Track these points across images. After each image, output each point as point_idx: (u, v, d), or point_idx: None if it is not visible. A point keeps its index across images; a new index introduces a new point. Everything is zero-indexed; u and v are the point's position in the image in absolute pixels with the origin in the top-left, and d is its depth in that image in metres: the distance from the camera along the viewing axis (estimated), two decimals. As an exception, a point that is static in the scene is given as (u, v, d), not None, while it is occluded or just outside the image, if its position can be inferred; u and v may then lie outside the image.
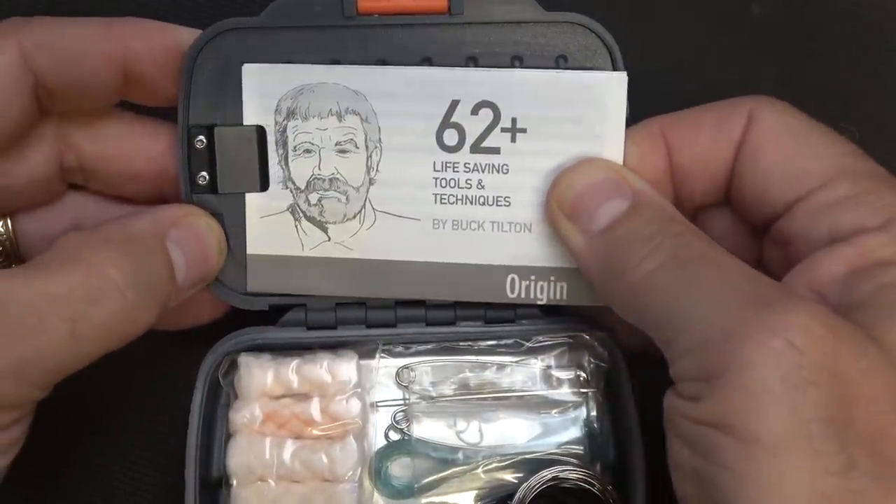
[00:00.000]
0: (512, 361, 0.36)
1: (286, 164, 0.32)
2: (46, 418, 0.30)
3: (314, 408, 0.34)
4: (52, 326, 0.26)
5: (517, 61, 0.32)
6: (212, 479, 0.34)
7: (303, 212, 0.33)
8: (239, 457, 0.34)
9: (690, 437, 0.25)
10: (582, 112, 0.31)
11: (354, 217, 0.33)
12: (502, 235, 0.32)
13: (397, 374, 0.36)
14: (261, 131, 0.32)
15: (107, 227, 0.29)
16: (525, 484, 0.34)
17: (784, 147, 0.31)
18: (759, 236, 0.33)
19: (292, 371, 0.34)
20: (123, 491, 0.36)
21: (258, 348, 0.35)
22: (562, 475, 0.34)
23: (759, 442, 0.23)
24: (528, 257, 0.32)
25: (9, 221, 0.33)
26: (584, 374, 0.35)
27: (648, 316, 0.28)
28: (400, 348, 0.36)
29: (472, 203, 0.32)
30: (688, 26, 0.40)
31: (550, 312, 0.36)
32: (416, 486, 0.34)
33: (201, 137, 0.32)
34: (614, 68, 0.32)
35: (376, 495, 0.34)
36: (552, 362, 0.36)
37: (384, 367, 0.36)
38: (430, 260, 0.33)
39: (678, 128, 0.32)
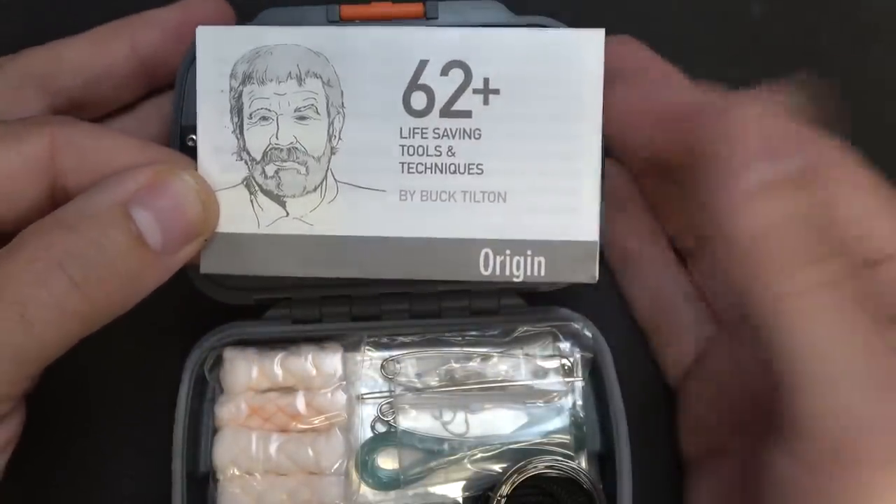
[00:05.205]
0: (497, 352, 0.36)
1: (241, 133, 0.30)
2: (31, 413, 0.30)
3: (299, 401, 0.34)
4: (1, 313, 0.25)
5: None
6: (199, 474, 0.34)
7: (258, 185, 0.30)
8: (225, 451, 0.34)
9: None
10: (558, 71, 0.30)
11: (315, 190, 0.31)
12: (474, 206, 0.30)
13: (382, 366, 0.36)
14: None
15: (65, 206, 0.28)
16: (510, 473, 0.34)
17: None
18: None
19: (277, 365, 0.34)
20: (110, 486, 0.36)
21: (243, 342, 0.35)
22: (547, 464, 0.34)
23: None
24: (503, 229, 0.30)
25: None
26: (568, 363, 0.35)
27: (774, 335, 0.25)
28: (385, 340, 0.36)
29: (441, 171, 0.30)
30: (688, 26, 0.40)
31: (534, 301, 0.36)
32: (402, 477, 0.34)
33: (193, 136, 0.31)
34: None
35: (363, 487, 0.34)
36: (537, 352, 0.36)
37: (369, 359, 0.36)
38: (397, 235, 0.31)
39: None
